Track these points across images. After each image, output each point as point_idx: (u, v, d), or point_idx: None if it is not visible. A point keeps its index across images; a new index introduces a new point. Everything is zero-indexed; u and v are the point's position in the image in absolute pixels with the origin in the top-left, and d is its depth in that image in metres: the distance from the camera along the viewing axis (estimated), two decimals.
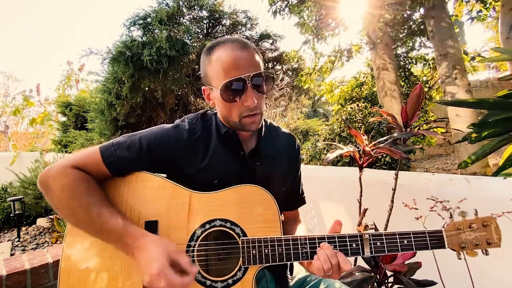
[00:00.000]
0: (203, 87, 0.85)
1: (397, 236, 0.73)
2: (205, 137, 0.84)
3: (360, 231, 0.75)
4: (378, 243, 0.72)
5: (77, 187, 0.70)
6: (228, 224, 0.75)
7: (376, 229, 0.96)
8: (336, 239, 0.73)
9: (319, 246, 0.72)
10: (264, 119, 0.94)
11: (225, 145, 0.84)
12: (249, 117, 0.78)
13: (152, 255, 0.64)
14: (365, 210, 1.20)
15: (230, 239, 0.74)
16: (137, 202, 0.76)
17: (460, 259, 0.72)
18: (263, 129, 0.91)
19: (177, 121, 0.87)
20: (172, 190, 0.77)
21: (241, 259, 0.72)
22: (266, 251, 0.72)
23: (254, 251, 0.72)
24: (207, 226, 0.75)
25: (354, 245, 0.73)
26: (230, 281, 0.73)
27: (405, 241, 0.72)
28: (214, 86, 0.78)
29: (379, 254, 0.73)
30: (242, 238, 0.74)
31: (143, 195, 0.77)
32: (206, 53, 0.80)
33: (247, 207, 0.76)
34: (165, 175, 0.82)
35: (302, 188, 1.04)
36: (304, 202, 1.04)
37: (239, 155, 0.85)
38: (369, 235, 0.73)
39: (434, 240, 0.72)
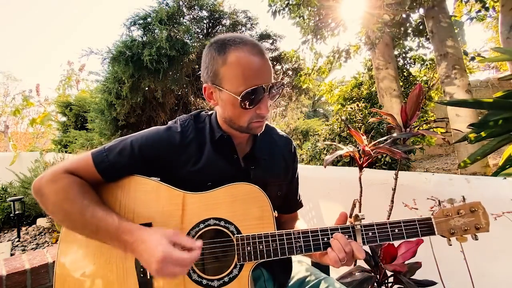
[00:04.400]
0: (205, 85, 0.80)
1: (388, 226, 0.74)
2: (197, 140, 0.83)
3: (351, 222, 0.76)
4: (370, 233, 0.74)
5: (71, 190, 0.71)
6: (222, 223, 0.76)
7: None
8: (329, 231, 0.75)
9: (313, 240, 0.74)
10: None
11: (219, 149, 0.83)
12: (258, 122, 0.79)
13: (152, 243, 0.65)
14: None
15: (224, 237, 0.75)
16: (130, 205, 0.76)
17: (451, 245, 0.73)
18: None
19: (169, 123, 0.86)
20: (165, 192, 0.77)
21: (236, 256, 0.73)
22: (261, 247, 0.73)
23: (249, 248, 0.73)
24: (201, 225, 0.75)
25: (346, 236, 0.74)
26: (226, 279, 0.73)
27: (396, 230, 0.74)
28: (226, 89, 0.74)
29: (372, 244, 0.76)
30: (236, 235, 0.74)
31: (136, 198, 0.77)
32: (218, 50, 0.74)
33: (240, 205, 0.77)
34: (159, 178, 0.82)
35: (299, 193, 1.04)
36: (302, 206, 1.05)
37: (233, 158, 0.85)
38: (361, 226, 0.75)
39: (424, 227, 0.74)
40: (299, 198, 1.04)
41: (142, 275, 0.72)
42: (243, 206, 0.77)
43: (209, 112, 0.91)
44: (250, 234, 0.74)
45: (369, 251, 1.19)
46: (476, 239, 0.72)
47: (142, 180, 0.78)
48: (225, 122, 0.83)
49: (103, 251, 0.73)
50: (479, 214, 0.73)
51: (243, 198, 0.77)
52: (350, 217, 0.78)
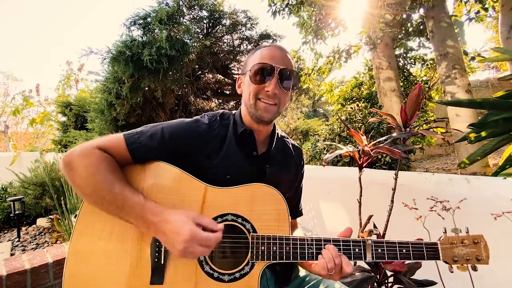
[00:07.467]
0: (238, 76, 0.94)
1: (397, 245, 0.77)
2: (222, 135, 0.88)
3: (363, 237, 0.78)
4: (379, 250, 0.76)
5: (101, 165, 0.73)
6: (239, 220, 0.77)
7: (379, 235, 0.97)
8: (341, 243, 0.76)
9: (324, 248, 0.75)
10: (276, 128, 0.99)
11: (240, 144, 0.88)
12: (265, 102, 0.84)
13: (178, 223, 0.67)
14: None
15: (240, 234, 0.77)
16: (152, 191, 0.78)
17: (452, 272, 0.76)
18: (275, 136, 0.96)
19: (197, 117, 0.91)
20: (187, 182, 0.79)
21: (249, 254, 0.75)
22: (275, 248, 0.75)
23: (263, 248, 0.75)
24: (219, 219, 0.77)
25: (357, 250, 0.76)
26: (237, 274, 0.74)
27: (404, 250, 0.77)
28: (246, 71, 0.86)
29: (379, 260, 0.77)
30: (252, 234, 0.76)
31: (159, 184, 0.78)
32: (253, 50, 0.91)
33: (259, 205, 0.79)
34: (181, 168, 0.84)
35: (300, 203, 1.08)
36: (301, 214, 1.08)
37: (252, 155, 0.89)
38: (372, 242, 0.77)
39: (430, 252, 0.77)
40: (300, 207, 1.08)
41: (156, 260, 0.73)
42: (261, 206, 0.79)
43: (233, 112, 0.97)
44: (266, 234, 0.76)
45: None
46: (475, 270, 0.75)
47: (166, 167, 0.80)
48: (245, 107, 0.89)
49: (119, 232, 0.74)
50: (481, 246, 0.76)
51: (262, 198, 0.79)
52: (362, 231, 0.79)
